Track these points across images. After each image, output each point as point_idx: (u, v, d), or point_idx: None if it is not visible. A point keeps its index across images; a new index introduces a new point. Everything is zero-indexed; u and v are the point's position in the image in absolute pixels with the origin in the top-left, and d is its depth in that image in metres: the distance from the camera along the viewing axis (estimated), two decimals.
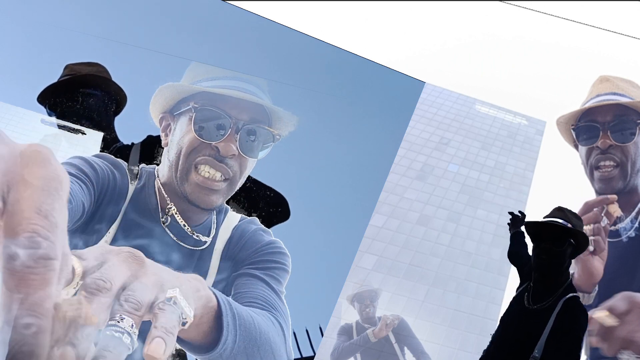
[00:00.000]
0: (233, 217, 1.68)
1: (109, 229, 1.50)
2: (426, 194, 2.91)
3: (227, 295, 1.55)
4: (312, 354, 2.11)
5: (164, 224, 1.54)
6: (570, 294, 1.80)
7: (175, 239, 1.54)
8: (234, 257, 1.58)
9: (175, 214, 1.54)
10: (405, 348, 2.49)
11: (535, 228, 1.86)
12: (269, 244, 1.59)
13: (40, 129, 1.97)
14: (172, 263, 1.55)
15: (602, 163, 2.25)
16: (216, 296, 0.96)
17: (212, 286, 1.58)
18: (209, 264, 1.58)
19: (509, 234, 2.11)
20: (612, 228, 2.18)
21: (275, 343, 1.21)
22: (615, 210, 2.15)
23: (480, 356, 1.89)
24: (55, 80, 1.96)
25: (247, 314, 1.13)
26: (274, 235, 1.68)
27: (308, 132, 2.09)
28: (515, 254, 2.07)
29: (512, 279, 2.48)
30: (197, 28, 2.24)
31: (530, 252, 1.90)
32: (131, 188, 1.55)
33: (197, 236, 1.56)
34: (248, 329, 1.09)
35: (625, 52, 2.52)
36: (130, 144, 1.87)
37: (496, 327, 1.92)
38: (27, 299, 0.42)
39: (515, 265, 2.04)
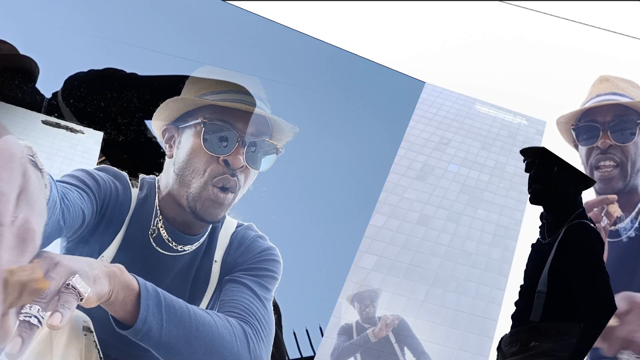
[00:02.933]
0: (230, 224, 1.72)
1: (113, 239, 1.55)
2: (426, 194, 2.90)
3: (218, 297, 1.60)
4: (312, 354, 2.11)
5: (150, 235, 1.59)
6: (576, 220, 1.69)
7: (158, 248, 1.60)
8: (233, 262, 1.63)
9: (161, 227, 1.60)
10: (405, 348, 2.49)
11: (524, 154, 1.72)
12: (264, 251, 1.66)
13: (41, 129, 1.97)
14: (173, 271, 1.58)
15: (602, 163, 2.25)
16: (138, 283, 1.19)
17: (213, 293, 1.62)
18: (210, 273, 1.62)
19: (508, 234, 2.10)
20: (612, 228, 2.18)
21: (226, 342, 1.33)
22: (615, 210, 2.15)
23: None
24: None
25: (182, 304, 1.28)
26: (275, 234, 1.72)
27: (307, 132, 2.09)
28: None
29: (512, 279, 2.48)
30: (196, 27, 2.24)
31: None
32: (134, 198, 1.60)
33: (176, 246, 1.62)
34: (179, 316, 1.24)
35: (625, 52, 2.52)
36: (51, 95, 1.88)
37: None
38: None
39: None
